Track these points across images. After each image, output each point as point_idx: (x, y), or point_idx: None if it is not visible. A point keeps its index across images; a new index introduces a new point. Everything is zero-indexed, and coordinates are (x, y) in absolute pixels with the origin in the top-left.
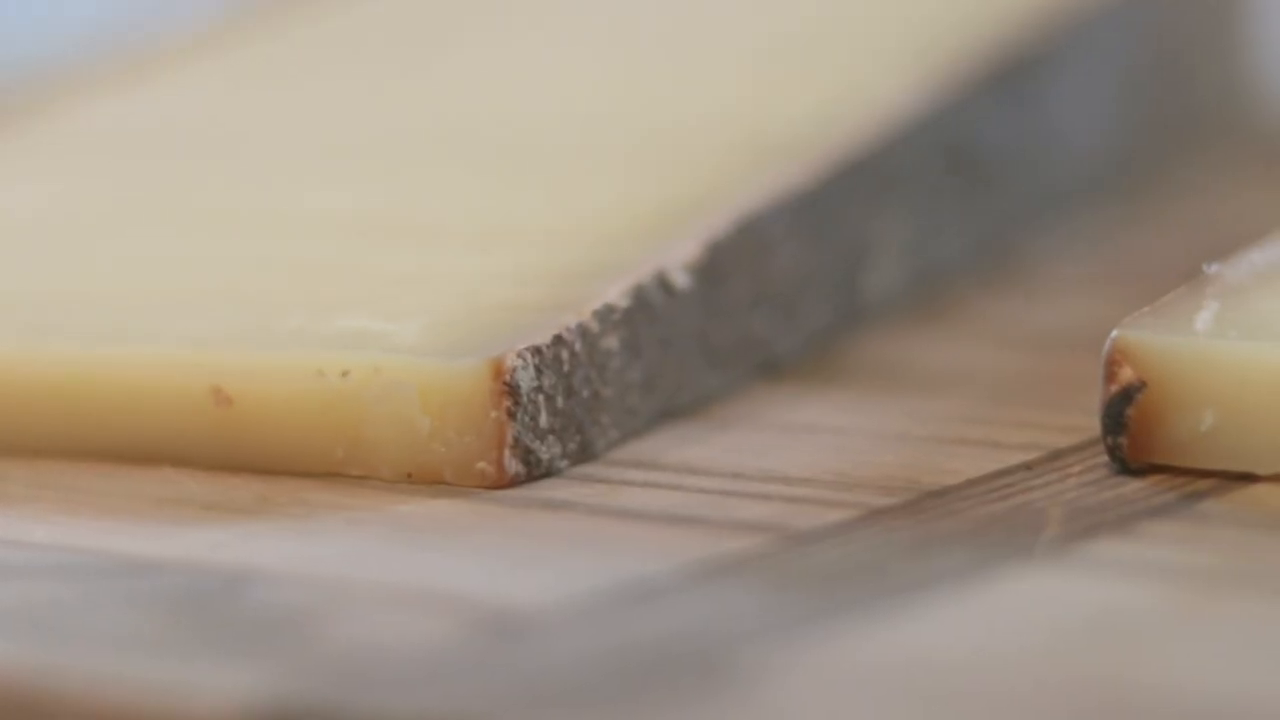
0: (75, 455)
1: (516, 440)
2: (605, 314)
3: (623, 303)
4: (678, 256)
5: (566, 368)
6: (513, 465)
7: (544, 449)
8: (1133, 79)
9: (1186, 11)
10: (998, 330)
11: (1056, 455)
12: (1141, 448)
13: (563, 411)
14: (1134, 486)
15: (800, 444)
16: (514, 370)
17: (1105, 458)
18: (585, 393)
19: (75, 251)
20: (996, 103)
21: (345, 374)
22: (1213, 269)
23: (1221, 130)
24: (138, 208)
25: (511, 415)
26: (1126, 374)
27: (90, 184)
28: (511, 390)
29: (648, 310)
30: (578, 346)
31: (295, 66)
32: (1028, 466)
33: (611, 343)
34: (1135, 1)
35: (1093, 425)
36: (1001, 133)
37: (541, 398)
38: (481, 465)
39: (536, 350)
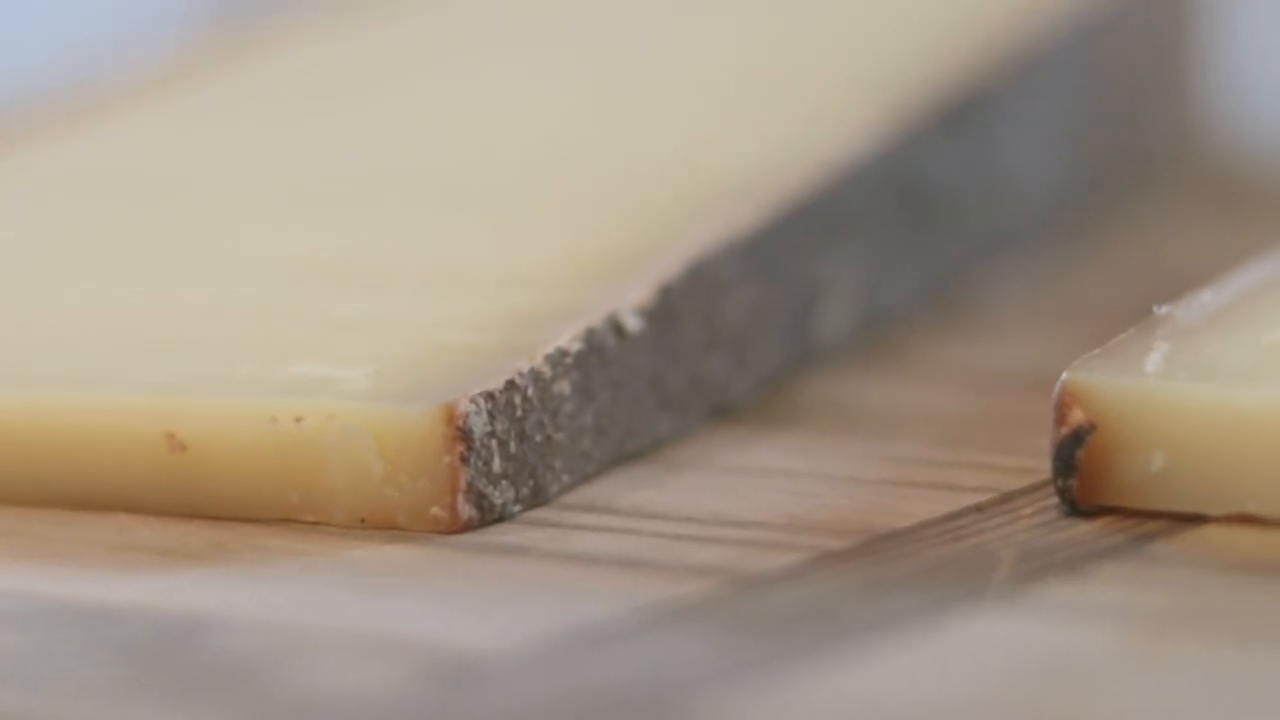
0: (30, 502)
1: (470, 485)
2: (557, 358)
3: (575, 347)
4: (629, 300)
5: (519, 412)
6: (466, 510)
7: (497, 494)
8: (1082, 119)
9: (1136, 52)
10: (949, 372)
11: (1008, 497)
12: (1092, 489)
13: (515, 456)
14: (1085, 528)
15: (753, 487)
16: (467, 415)
17: (1056, 499)
18: (538, 437)
19: (25, 297)
20: (946, 144)
21: (299, 420)
22: (1162, 310)
23: (1171, 170)
24: (88, 252)
25: (465, 460)
26: (1076, 416)
27: (39, 229)
28: (465, 435)
29: (600, 354)
30: (530, 391)
31: (246, 110)
32: (979, 509)
33: (564, 387)
34: (1084, 42)
35: (1044, 467)
36: (951, 174)
37: (494, 442)
38: (435, 510)
39: (489, 395)
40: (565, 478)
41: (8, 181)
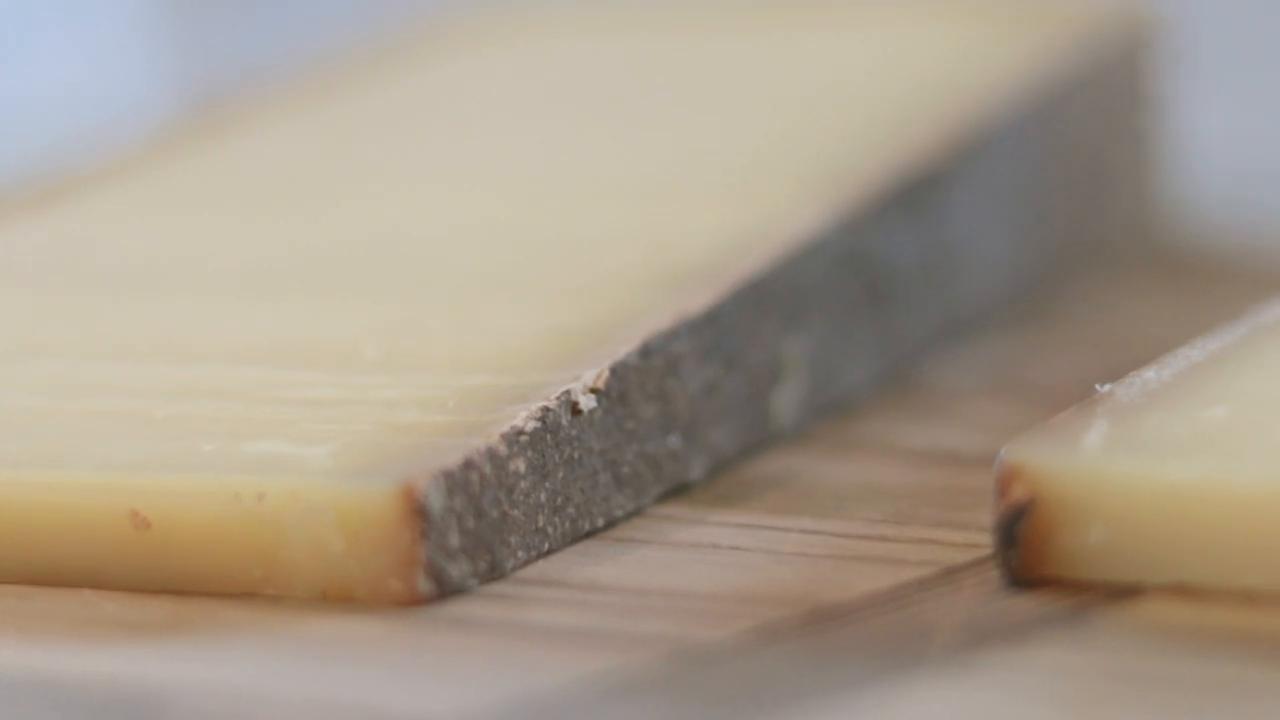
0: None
1: (428, 560)
2: (513, 437)
3: (530, 426)
4: (583, 380)
5: (476, 490)
6: (424, 584)
7: (454, 568)
8: (1038, 202)
9: (1092, 133)
10: (898, 450)
11: (951, 570)
12: (1033, 562)
13: (472, 532)
14: (1025, 599)
15: (703, 562)
16: (425, 493)
17: (998, 572)
18: (494, 514)
19: None
20: (901, 225)
21: (261, 497)
22: (1104, 389)
23: (1126, 250)
24: (52, 334)
25: (423, 536)
26: (1017, 491)
27: (3, 309)
28: (423, 512)
29: (555, 433)
30: (487, 469)
31: (205, 194)
32: (923, 581)
33: (519, 465)
34: (1040, 123)
35: (987, 541)
36: (906, 254)
37: (452, 519)
38: (394, 584)
39: (447, 473)
40: (521, 553)
41: None
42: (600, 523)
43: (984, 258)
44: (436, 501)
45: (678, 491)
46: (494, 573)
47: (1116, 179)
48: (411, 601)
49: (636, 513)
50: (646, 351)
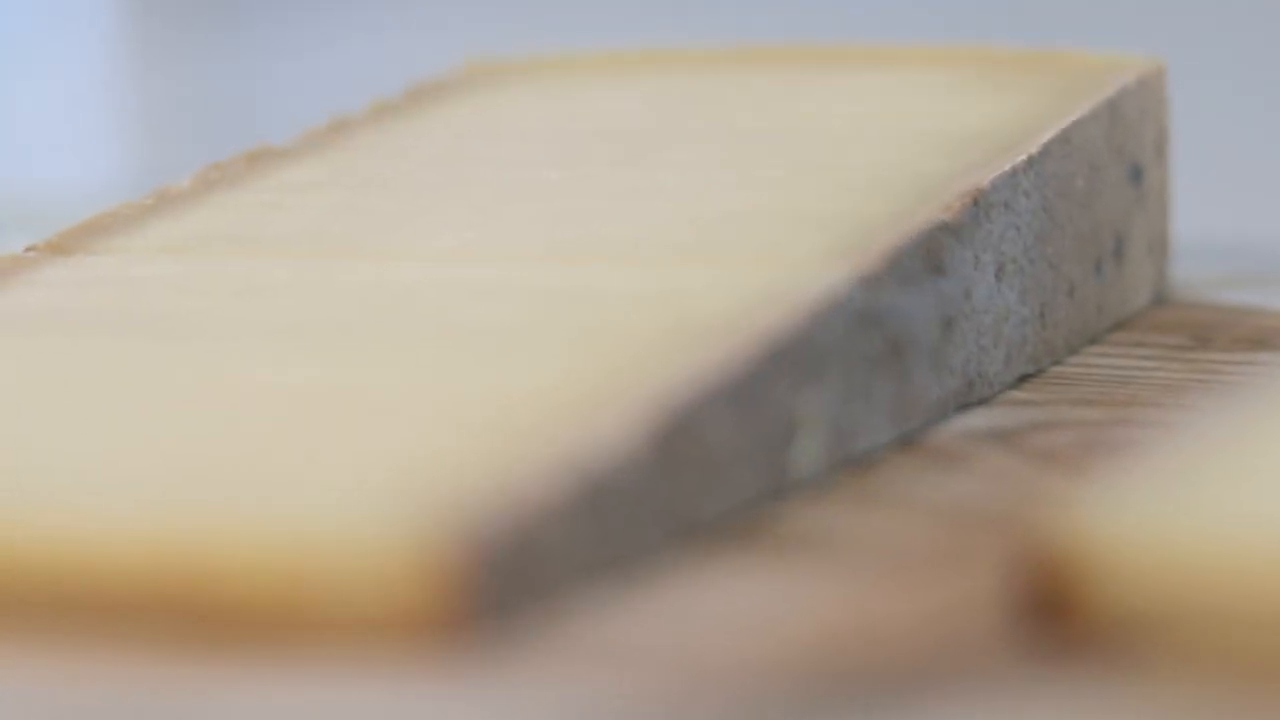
0: (39, 622)
1: (467, 604)
2: (545, 488)
3: (560, 477)
4: (608, 431)
5: (510, 533)
6: (463, 626)
7: (493, 611)
8: (1057, 259)
9: (1113, 192)
10: (916, 503)
11: (968, 622)
12: (1059, 619)
13: (509, 577)
14: (1043, 652)
15: (727, 610)
16: (463, 540)
17: (1023, 628)
18: (530, 560)
19: (29, 426)
20: (920, 285)
21: (302, 545)
22: (1128, 448)
23: (1142, 312)
24: (92, 383)
25: (462, 581)
26: (1047, 548)
27: (44, 358)
28: (460, 558)
29: (581, 482)
30: (519, 515)
31: (244, 242)
32: (939, 632)
33: (550, 511)
34: (1060, 184)
35: (1005, 593)
36: (925, 313)
37: (489, 565)
38: (433, 627)
39: (484, 520)
40: (556, 597)
41: (10, 311)
42: (628, 571)
43: (1003, 314)
44: (473, 548)
45: (699, 542)
46: (531, 615)
47: (1132, 239)
48: (451, 643)
49: (664, 562)
50: (668, 405)
